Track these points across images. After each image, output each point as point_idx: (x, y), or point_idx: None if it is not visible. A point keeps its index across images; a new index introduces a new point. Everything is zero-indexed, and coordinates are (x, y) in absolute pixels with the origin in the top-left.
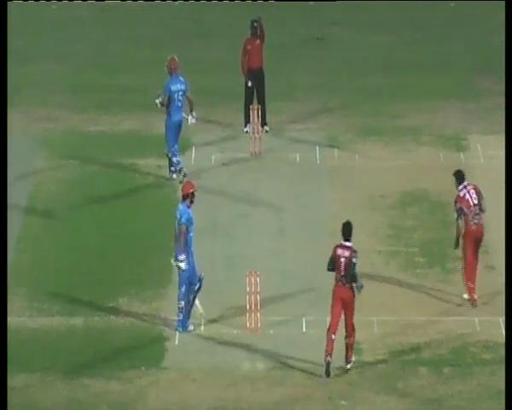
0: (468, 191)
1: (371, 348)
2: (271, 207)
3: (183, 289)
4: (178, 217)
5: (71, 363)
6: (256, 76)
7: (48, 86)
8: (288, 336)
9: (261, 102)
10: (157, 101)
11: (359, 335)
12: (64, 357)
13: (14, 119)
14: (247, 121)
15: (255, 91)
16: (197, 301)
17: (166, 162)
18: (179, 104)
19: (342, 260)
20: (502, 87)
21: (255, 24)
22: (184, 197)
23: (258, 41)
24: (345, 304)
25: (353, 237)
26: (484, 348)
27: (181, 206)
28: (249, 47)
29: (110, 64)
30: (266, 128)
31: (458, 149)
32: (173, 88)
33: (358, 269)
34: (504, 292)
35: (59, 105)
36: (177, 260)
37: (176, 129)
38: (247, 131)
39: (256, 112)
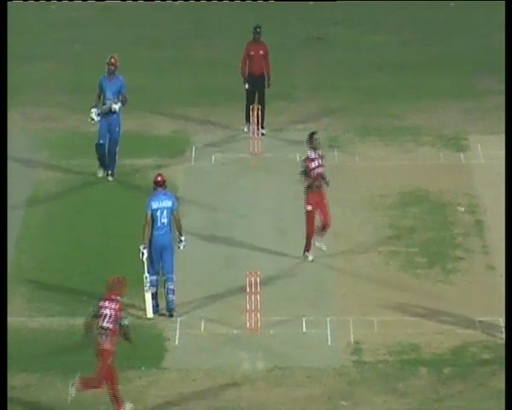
0: None
1: (371, 348)
2: (271, 207)
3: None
4: (175, 205)
5: (71, 363)
6: (257, 81)
7: (48, 86)
8: (288, 336)
9: (261, 106)
10: (114, 106)
11: (359, 335)
12: (64, 357)
13: (14, 119)
14: (248, 121)
15: (256, 94)
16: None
17: (166, 162)
18: None
19: None
20: (502, 87)
21: (258, 29)
22: (161, 184)
23: (261, 51)
24: None
25: (353, 237)
26: (484, 348)
27: (169, 193)
28: (252, 53)
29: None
30: (263, 131)
31: (458, 149)
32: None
33: None
34: (504, 292)
35: (59, 105)
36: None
37: None
38: (246, 132)
39: (256, 112)
